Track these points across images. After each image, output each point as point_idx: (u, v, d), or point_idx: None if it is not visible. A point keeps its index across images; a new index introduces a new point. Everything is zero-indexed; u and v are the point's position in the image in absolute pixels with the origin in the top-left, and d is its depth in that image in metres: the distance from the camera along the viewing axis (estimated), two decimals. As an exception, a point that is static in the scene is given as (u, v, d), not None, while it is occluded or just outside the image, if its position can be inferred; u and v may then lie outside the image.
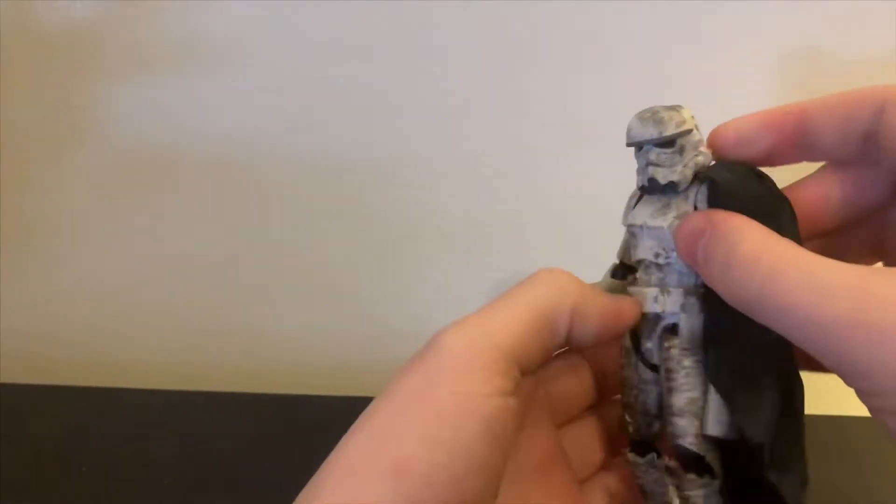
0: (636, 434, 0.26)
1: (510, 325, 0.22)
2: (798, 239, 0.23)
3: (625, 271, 0.27)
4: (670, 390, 0.24)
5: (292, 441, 0.45)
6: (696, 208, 0.24)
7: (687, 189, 0.25)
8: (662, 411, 0.25)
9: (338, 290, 0.53)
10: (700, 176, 0.25)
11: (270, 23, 0.48)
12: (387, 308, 0.53)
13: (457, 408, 0.20)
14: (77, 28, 0.49)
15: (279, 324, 0.54)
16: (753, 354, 0.23)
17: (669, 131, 0.25)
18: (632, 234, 0.26)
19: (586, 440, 0.27)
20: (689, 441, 0.24)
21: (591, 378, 0.27)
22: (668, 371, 0.24)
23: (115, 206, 0.53)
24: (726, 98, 0.46)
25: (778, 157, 0.25)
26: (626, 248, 0.27)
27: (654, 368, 0.25)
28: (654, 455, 0.25)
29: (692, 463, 0.24)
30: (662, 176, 0.25)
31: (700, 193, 0.24)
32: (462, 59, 0.48)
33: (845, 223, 0.26)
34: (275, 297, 0.54)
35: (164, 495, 0.41)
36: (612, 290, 0.26)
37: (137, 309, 0.55)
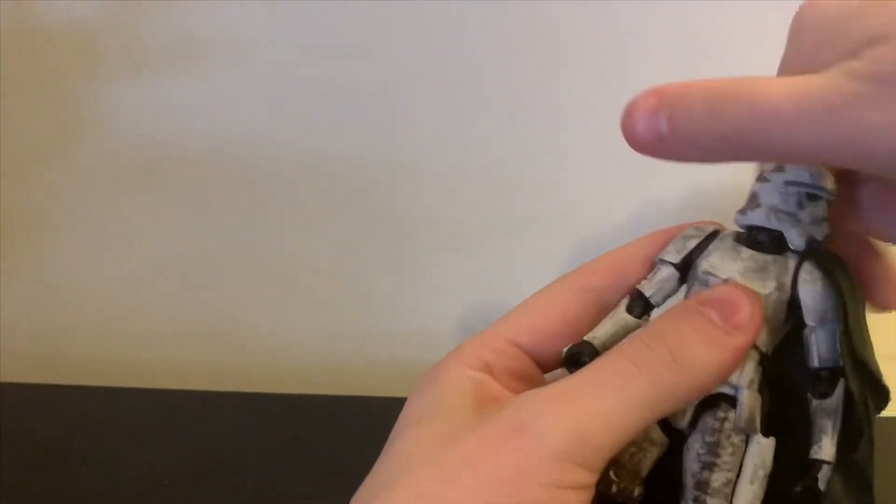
0: (618, 496, 0.23)
1: (613, 425, 0.20)
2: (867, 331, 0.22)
3: (643, 308, 0.24)
4: (710, 466, 0.22)
5: (292, 441, 0.45)
6: (794, 284, 0.22)
7: (786, 257, 0.23)
8: (684, 483, 0.23)
9: (338, 290, 0.53)
10: (805, 252, 0.23)
11: (270, 23, 0.48)
12: (387, 308, 0.53)
13: (550, 501, 0.20)
14: (77, 28, 0.49)
15: (279, 323, 0.54)
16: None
17: (829, 186, 0.23)
18: (699, 280, 0.23)
19: None
20: None
21: None
22: (713, 445, 0.22)
23: (115, 205, 0.53)
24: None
25: None
26: (665, 287, 0.24)
27: (669, 433, 0.23)
28: None
29: None
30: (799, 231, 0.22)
31: (807, 272, 0.22)
32: (463, 59, 0.48)
33: None
34: (275, 297, 0.54)
35: (164, 495, 0.41)
36: (625, 329, 0.24)
37: (138, 309, 0.55)
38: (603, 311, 0.26)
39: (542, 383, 0.26)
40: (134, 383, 0.51)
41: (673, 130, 0.21)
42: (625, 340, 0.23)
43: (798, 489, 0.22)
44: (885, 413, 0.41)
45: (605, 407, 0.20)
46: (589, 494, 0.21)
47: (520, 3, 0.46)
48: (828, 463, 0.22)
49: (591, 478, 0.20)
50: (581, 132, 0.48)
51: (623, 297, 0.25)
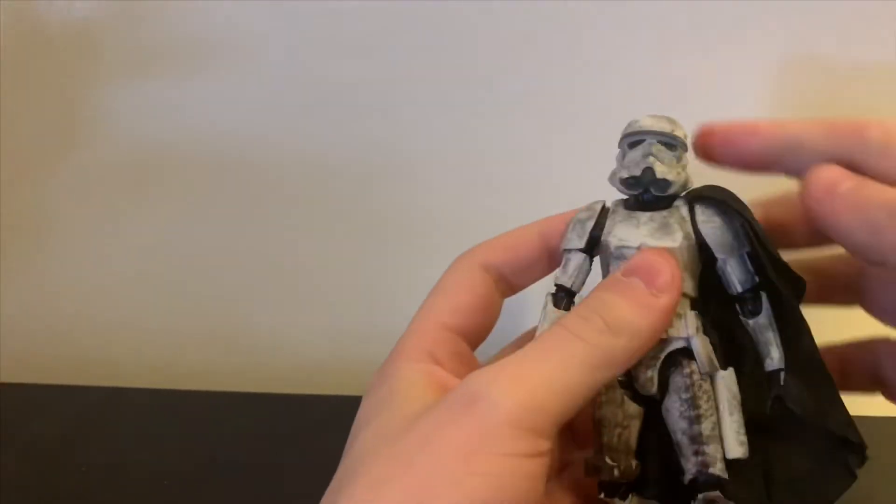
0: (622, 477, 0.24)
1: (559, 389, 0.21)
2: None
3: (567, 298, 0.26)
4: (697, 419, 0.23)
5: (292, 441, 0.45)
6: (695, 228, 0.24)
7: (676, 207, 0.25)
8: (677, 443, 0.24)
9: (338, 290, 0.53)
10: (688, 196, 0.25)
11: (270, 23, 0.48)
12: (387, 308, 0.53)
13: (506, 470, 0.20)
14: (77, 28, 0.49)
15: (279, 323, 0.54)
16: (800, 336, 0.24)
17: (679, 133, 0.25)
18: (614, 256, 0.25)
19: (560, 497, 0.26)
20: (719, 468, 0.23)
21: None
22: (691, 399, 0.24)
23: (115, 206, 0.53)
24: (727, 101, 0.46)
25: (758, 166, 0.25)
26: (581, 273, 0.26)
27: (642, 401, 0.25)
28: (632, 495, 0.25)
29: (722, 490, 0.23)
30: (661, 171, 0.24)
31: (702, 214, 0.24)
32: (463, 59, 0.48)
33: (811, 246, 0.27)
34: (275, 297, 0.54)
35: (164, 495, 0.41)
36: None
37: (137, 309, 0.55)
38: (500, 284, 0.28)
39: (475, 361, 0.27)
40: (134, 383, 0.51)
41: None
42: (563, 316, 0.24)
43: (770, 403, 0.24)
44: (884, 413, 0.41)
45: (549, 372, 0.22)
46: (544, 463, 0.21)
47: (520, 4, 0.46)
48: (782, 370, 0.24)
49: (544, 445, 0.21)
50: (581, 132, 0.48)
51: (545, 295, 0.27)
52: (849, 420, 0.24)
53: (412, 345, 0.26)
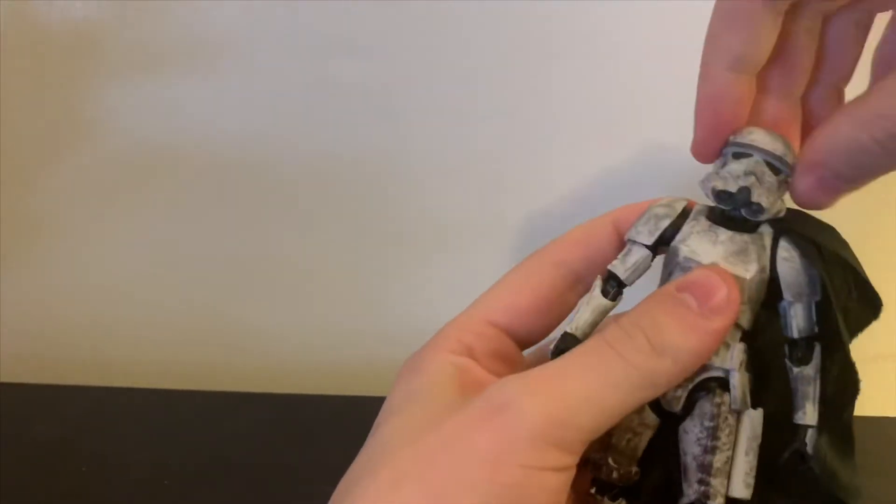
0: (619, 480, 0.24)
1: (593, 407, 0.21)
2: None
3: (617, 289, 0.25)
4: (712, 449, 0.23)
5: (292, 441, 0.45)
6: (773, 262, 0.23)
7: (761, 234, 0.23)
8: (684, 465, 0.23)
9: (338, 290, 0.53)
10: (777, 224, 0.23)
11: (270, 23, 0.48)
12: (387, 308, 0.53)
13: (528, 482, 0.20)
14: (77, 28, 0.49)
15: (279, 323, 0.54)
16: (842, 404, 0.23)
17: (790, 159, 0.23)
18: (680, 267, 0.23)
19: None
20: (718, 502, 0.23)
21: None
22: (713, 429, 0.23)
23: (115, 206, 0.53)
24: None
25: None
26: (639, 269, 0.25)
27: (660, 414, 0.24)
28: (622, 500, 0.24)
29: None
30: (758, 193, 0.23)
31: (785, 250, 0.23)
32: (463, 60, 0.48)
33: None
34: (275, 297, 0.54)
35: (164, 495, 0.41)
36: (602, 313, 0.25)
37: (137, 309, 0.55)
38: (576, 283, 0.26)
39: (522, 361, 0.26)
40: (134, 383, 0.51)
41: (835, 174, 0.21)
42: (606, 326, 0.23)
43: (787, 454, 0.23)
44: (884, 413, 0.41)
45: (584, 389, 0.21)
46: (568, 476, 0.21)
47: (520, 4, 0.46)
48: (812, 427, 0.23)
49: (570, 459, 0.21)
50: (581, 133, 0.48)
51: (595, 278, 0.25)
52: (857, 485, 0.23)
53: (452, 335, 0.25)
